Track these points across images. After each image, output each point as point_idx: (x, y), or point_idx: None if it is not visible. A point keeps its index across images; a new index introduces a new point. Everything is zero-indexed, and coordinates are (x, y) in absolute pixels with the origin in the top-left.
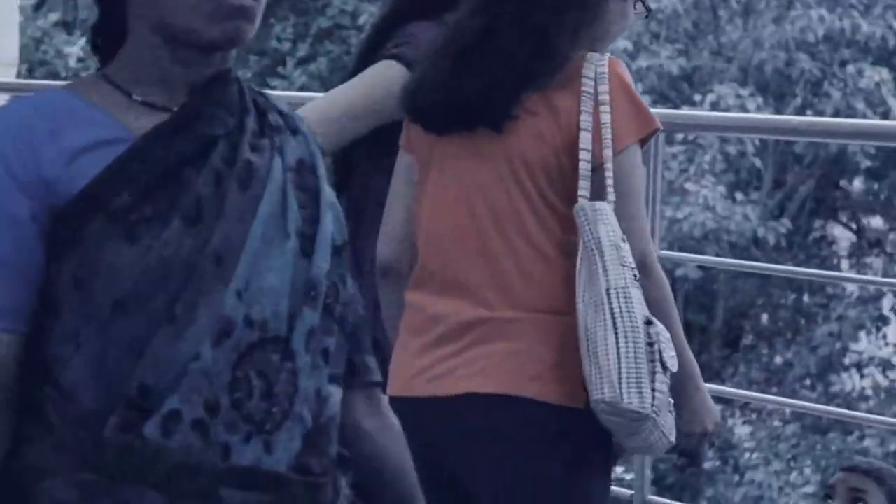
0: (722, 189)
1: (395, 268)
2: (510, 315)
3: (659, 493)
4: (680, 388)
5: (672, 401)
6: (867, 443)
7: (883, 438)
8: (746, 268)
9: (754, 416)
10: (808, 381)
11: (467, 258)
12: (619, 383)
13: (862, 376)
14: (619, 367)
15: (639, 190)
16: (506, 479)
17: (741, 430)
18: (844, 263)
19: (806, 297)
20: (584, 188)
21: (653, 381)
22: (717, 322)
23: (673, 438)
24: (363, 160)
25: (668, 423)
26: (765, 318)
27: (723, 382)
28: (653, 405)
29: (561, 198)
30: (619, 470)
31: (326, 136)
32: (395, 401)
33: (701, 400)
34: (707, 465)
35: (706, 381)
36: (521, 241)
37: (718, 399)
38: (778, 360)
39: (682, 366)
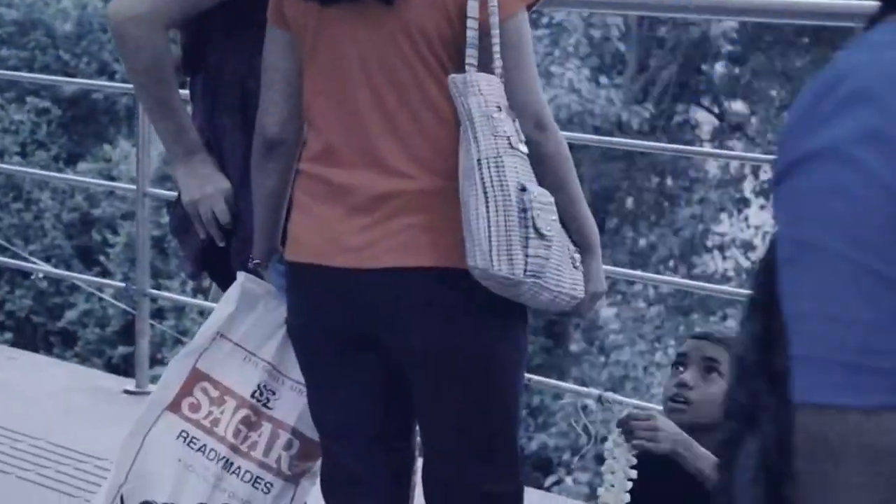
0: (586, 72)
1: (284, 142)
2: (424, 185)
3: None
4: (581, 249)
5: (577, 256)
6: (729, 323)
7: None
8: (613, 144)
9: (619, 297)
10: (671, 263)
11: (374, 130)
12: (490, 251)
13: (724, 258)
14: (490, 236)
15: (528, 54)
16: (436, 348)
17: (606, 313)
18: (707, 147)
19: (669, 181)
20: (471, 56)
21: (526, 248)
22: None
23: (578, 293)
24: (217, 36)
25: (563, 281)
26: (629, 201)
27: None
28: (527, 271)
29: (458, 66)
30: None
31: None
32: (302, 267)
33: (596, 266)
34: (574, 348)
35: None
36: (426, 111)
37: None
38: (642, 242)
39: (580, 226)
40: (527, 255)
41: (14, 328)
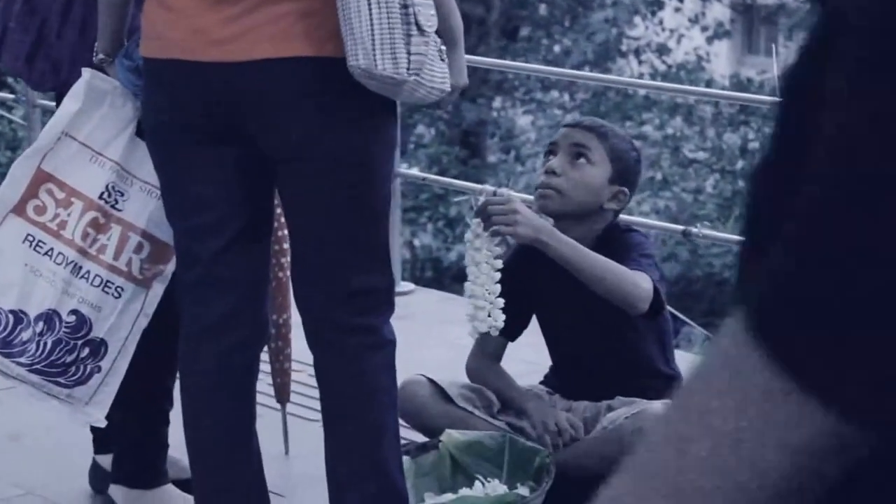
0: None
1: None
2: None
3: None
4: (446, 41)
5: (444, 48)
6: (646, 128)
7: (662, 122)
8: None
9: (534, 105)
10: (586, 69)
11: None
12: (374, 50)
13: (640, 62)
14: (373, 34)
15: None
16: (311, 140)
17: (522, 121)
18: None
19: None
20: None
21: (408, 45)
22: (495, 13)
23: (446, 86)
24: None
25: (435, 76)
26: (542, 7)
27: (502, 73)
28: (409, 69)
29: None
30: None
31: None
32: (163, 63)
33: (460, 57)
34: (491, 158)
35: (485, 71)
36: None
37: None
38: (556, 48)
39: (447, 16)
40: (409, 53)
41: None
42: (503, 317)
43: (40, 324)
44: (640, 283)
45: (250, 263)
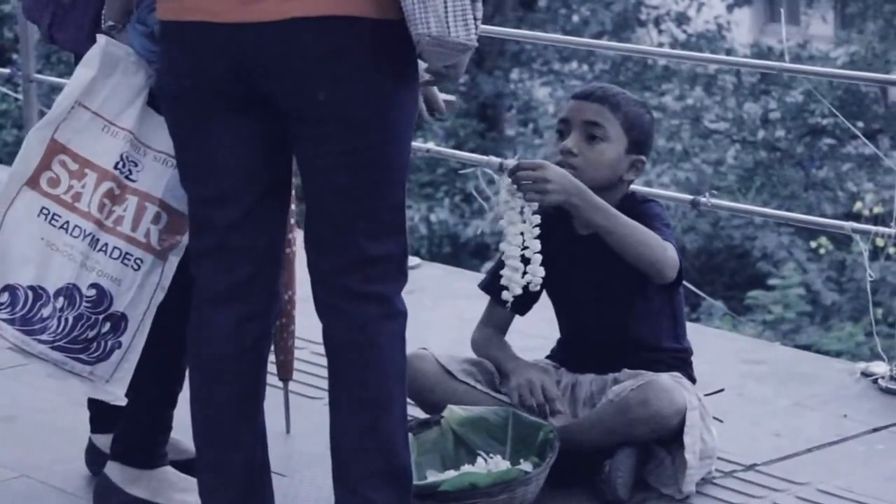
0: None
1: None
2: None
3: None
4: None
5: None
6: (665, 98)
7: (682, 93)
8: None
9: (552, 77)
10: (605, 38)
11: None
12: (447, 17)
13: (659, 31)
14: (445, 1)
15: None
16: (337, 99)
17: (540, 93)
18: None
19: None
20: None
21: (475, 10)
22: None
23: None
24: None
25: (472, 39)
26: None
27: (519, 43)
28: (476, 35)
29: None
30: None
31: None
32: (183, 26)
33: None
34: (509, 131)
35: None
36: None
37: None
38: (574, 18)
39: None
40: (475, 19)
41: None
42: (542, 271)
43: (60, 299)
44: (668, 250)
45: (266, 233)
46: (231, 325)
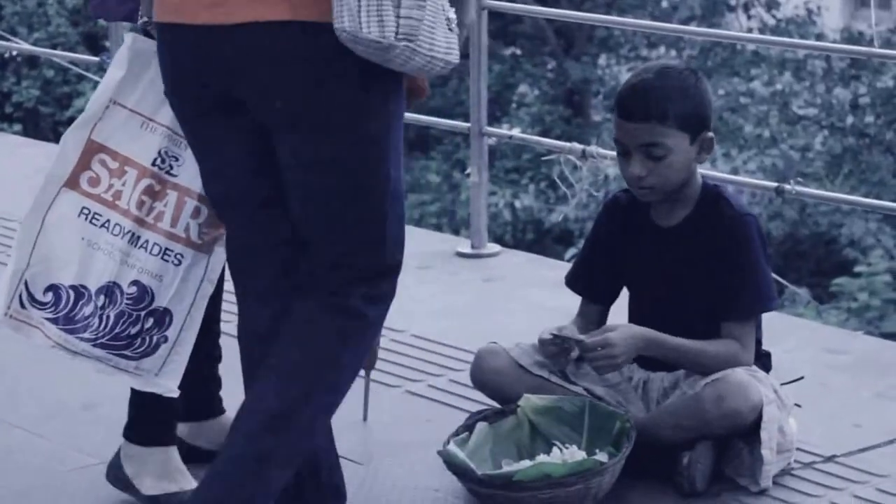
0: None
1: None
2: None
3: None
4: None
5: (452, 17)
6: (754, 84)
7: (770, 78)
8: None
9: (640, 63)
10: (693, 24)
11: None
12: (359, 12)
13: (748, 16)
14: None
15: None
16: (295, 105)
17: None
18: None
19: None
20: None
21: (398, 7)
22: None
23: (454, 57)
24: None
25: (437, 44)
26: None
27: (607, 29)
28: (398, 33)
29: None
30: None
31: None
32: (164, 27)
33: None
34: (595, 117)
35: (590, 28)
36: None
37: (604, 46)
38: (663, 4)
39: None
40: (398, 17)
41: (22, 119)
42: None
43: (101, 297)
44: (740, 358)
45: (279, 232)
46: (272, 318)
